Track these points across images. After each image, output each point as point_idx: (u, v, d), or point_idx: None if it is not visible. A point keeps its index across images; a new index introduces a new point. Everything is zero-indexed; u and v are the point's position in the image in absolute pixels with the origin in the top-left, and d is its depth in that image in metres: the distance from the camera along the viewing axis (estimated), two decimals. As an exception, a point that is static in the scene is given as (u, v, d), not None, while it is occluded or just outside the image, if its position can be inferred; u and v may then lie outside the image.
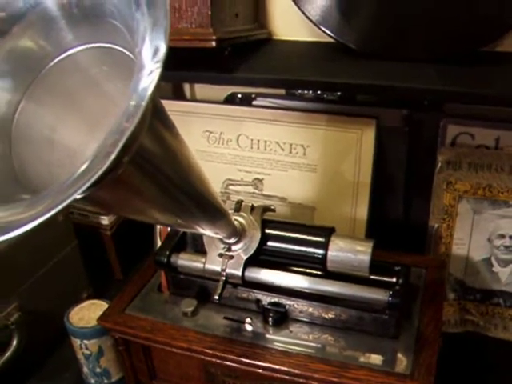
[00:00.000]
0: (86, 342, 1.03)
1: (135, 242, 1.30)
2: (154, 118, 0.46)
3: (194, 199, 0.62)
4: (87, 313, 1.06)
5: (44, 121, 0.49)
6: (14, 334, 1.07)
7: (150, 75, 0.38)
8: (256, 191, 1.12)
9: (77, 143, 0.49)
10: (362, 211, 1.05)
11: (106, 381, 1.09)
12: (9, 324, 1.06)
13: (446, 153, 1.04)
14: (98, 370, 1.07)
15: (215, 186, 1.14)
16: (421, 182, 1.09)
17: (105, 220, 1.26)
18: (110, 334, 0.94)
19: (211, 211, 0.69)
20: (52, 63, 0.48)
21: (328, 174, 1.06)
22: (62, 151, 0.49)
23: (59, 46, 0.47)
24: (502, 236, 1.05)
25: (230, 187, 1.14)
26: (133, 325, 0.89)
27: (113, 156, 0.35)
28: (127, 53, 0.44)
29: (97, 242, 1.31)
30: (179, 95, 1.26)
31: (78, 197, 0.39)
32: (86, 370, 1.08)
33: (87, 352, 1.04)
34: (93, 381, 1.09)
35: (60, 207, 0.36)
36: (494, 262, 1.07)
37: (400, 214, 1.11)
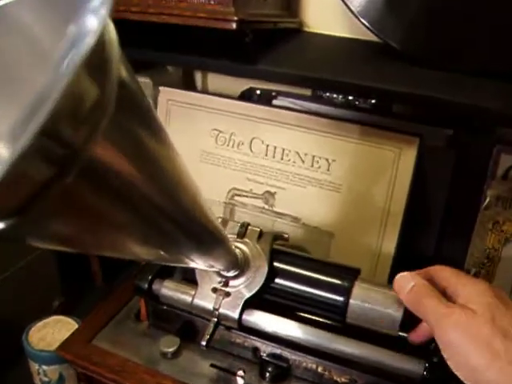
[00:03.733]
0: (44, 367, 0.87)
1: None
2: (123, 111, 0.29)
3: (183, 227, 0.45)
4: (51, 331, 0.89)
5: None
6: (-39, 348, 0.91)
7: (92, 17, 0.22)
8: (266, 206, 0.95)
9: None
10: (390, 245, 0.88)
11: (66, 413, 0.92)
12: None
13: (497, 187, 0.87)
14: (56, 400, 0.90)
15: (219, 194, 0.97)
16: (461, 218, 0.92)
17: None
18: (71, 365, 0.77)
19: (206, 241, 0.52)
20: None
21: (354, 196, 0.89)
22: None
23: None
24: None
25: (236, 198, 0.97)
26: (98, 361, 0.72)
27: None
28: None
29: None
30: (189, 84, 1.10)
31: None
32: (43, 398, 0.92)
33: (45, 379, 0.88)
34: (50, 411, 0.93)
35: None
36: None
37: (431, 253, 0.94)
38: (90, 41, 0.21)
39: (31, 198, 0.25)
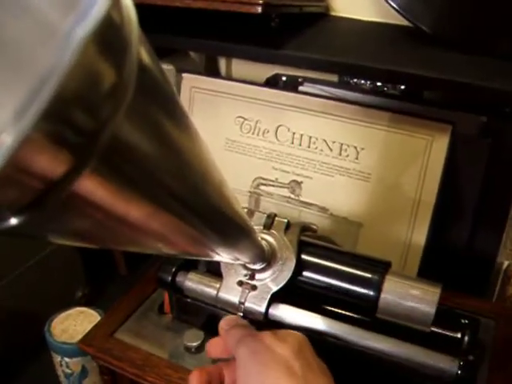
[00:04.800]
0: (67, 359, 0.85)
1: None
2: (144, 97, 0.26)
3: (208, 220, 0.43)
4: (73, 323, 0.88)
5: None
6: (-14, 338, 0.90)
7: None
8: (292, 196, 0.92)
9: None
10: (420, 236, 0.85)
11: (88, 404, 0.91)
12: (-20, 325, 0.89)
13: (532, 177, 0.84)
14: (79, 392, 0.89)
15: (244, 184, 0.95)
16: (495, 209, 0.89)
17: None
18: (93, 359, 0.75)
19: (232, 234, 0.50)
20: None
21: (384, 185, 0.86)
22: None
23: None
24: None
25: (262, 187, 0.95)
26: (121, 355, 0.71)
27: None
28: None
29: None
30: (212, 71, 1.08)
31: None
32: (65, 389, 0.91)
33: (68, 371, 0.87)
34: (73, 402, 0.91)
35: None
36: None
37: (463, 245, 0.91)
38: (101, 13, 0.19)
39: (43, 192, 0.22)
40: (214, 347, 0.54)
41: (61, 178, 0.22)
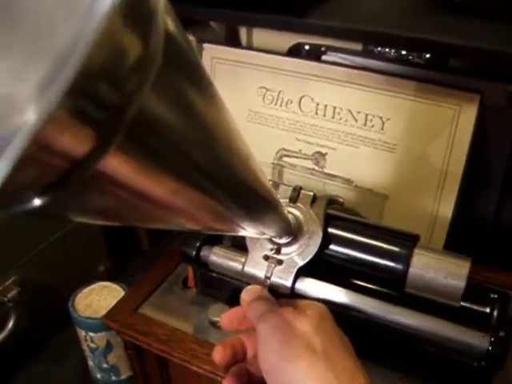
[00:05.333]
0: (91, 334, 0.85)
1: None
2: (171, 67, 0.25)
3: (234, 193, 0.41)
4: (97, 298, 0.88)
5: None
6: (11, 313, 0.91)
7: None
8: (316, 167, 0.91)
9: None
10: (447, 208, 0.83)
11: (113, 377, 0.91)
12: (5, 301, 0.89)
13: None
14: (104, 365, 0.89)
15: (267, 155, 0.93)
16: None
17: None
18: (117, 334, 0.75)
19: (258, 207, 0.48)
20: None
21: (410, 156, 0.84)
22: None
23: None
24: None
25: (285, 159, 0.93)
26: (145, 330, 0.70)
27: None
28: None
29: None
30: (233, 41, 1.05)
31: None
32: (91, 363, 0.91)
33: (93, 345, 0.87)
34: (99, 375, 0.92)
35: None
36: None
37: (491, 217, 0.89)
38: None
39: (67, 172, 0.21)
40: (230, 321, 0.53)
41: (85, 156, 0.21)
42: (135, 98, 0.22)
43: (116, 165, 0.24)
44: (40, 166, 0.20)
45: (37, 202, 0.23)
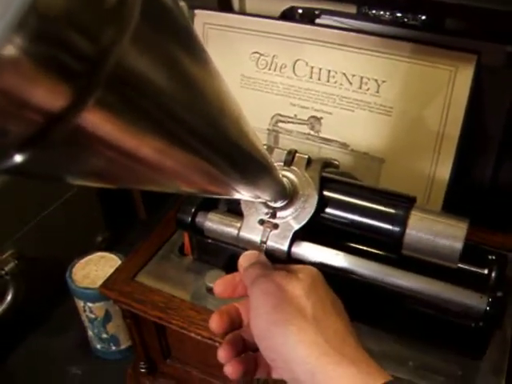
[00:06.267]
0: (90, 304, 0.85)
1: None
2: (151, 19, 0.24)
3: (227, 156, 0.41)
4: (94, 268, 0.88)
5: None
6: (9, 285, 0.91)
7: None
8: (311, 132, 0.90)
9: None
10: (444, 171, 0.83)
11: (113, 347, 0.92)
12: (3, 274, 0.89)
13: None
14: (104, 335, 0.90)
15: (262, 121, 0.92)
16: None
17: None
18: (115, 303, 0.75)
19: (253, 170, 0.48)
20: None
21: (406, 119, 0.83)
22: None
23: None
24: None
25: (280, 124, 0.92)
26: (142, 298, 0.70)
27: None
28: None
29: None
30: (225, 6, 1.04)
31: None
32: (90, 333, 0.91)
33: (92, 316, 0.87)
34: (98, 346, 0.92)
35: None
36: None
37: (488, 179, 0.88)
38: None
39: (45, 126, 0.21)
40: (223, 288, 0.53)
41: (63, 109, 0.20)
42: (112, 51, 0.21)
43: (97, 120, 0.23)
44: (14, 119, 0.19)
45: (18, 158, 0.22)
